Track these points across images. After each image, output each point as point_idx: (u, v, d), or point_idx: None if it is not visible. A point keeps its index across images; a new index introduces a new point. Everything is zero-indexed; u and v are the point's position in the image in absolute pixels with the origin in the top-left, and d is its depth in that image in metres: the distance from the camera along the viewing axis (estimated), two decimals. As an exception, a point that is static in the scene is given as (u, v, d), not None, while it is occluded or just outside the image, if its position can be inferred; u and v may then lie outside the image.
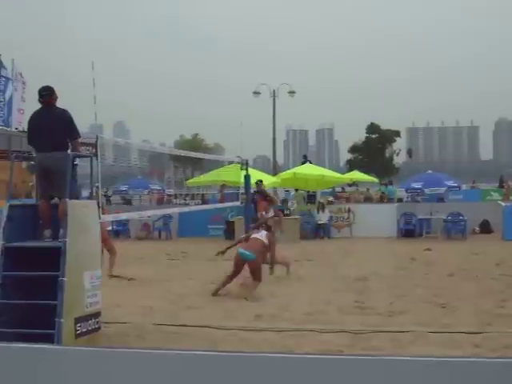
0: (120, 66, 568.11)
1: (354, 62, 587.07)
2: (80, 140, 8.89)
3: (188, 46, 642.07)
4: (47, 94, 8.73)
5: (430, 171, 38.21)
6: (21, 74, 40.93)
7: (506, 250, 17.86)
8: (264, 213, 19.29)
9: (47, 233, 8.55)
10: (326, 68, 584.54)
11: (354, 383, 3.16)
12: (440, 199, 31.55)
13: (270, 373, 3.24)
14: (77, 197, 8.81)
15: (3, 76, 39.56)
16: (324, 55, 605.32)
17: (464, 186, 42.06)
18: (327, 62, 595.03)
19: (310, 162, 32.74)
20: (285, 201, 27.49)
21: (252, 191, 20.47)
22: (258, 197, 20.37)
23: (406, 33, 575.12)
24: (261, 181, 21.62)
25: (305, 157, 34.47)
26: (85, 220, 8.45)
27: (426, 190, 32.12)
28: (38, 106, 8.89)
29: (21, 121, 38.64)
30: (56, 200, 8.63)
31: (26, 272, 8.23)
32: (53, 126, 8.57)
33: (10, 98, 39.62)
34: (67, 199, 8.24)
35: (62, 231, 8.25)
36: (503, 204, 24.70)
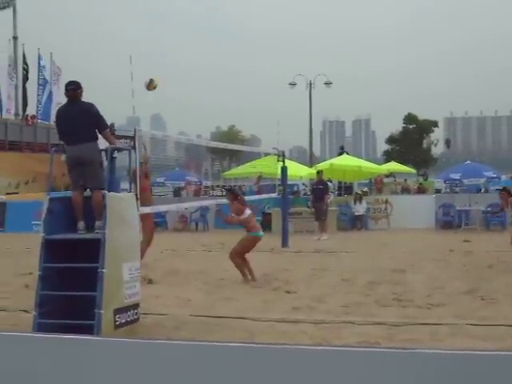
0: (157, 61, 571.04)
1: (390, 46, 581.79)
2: (109, 131, 8.94)
3: (224, 38, 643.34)
4: (72, 89, 8.86)
5: (468, 162, 37.86)
6: (59, 68, 41.37)
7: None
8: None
9: (80, 225, 8.64)
10: (361, 55, 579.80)
11: (391, 375, 3.16)
12: (479, 190, 31.23)
13: (307, 364, 3.24)
14: (115, 189, 8.89)
15: (43, 71, 40.05)
16: (359, 41, 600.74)
17: (504, 177, 41.50)
18: (362, 47, 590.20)
19: (347, 153, 32.64)
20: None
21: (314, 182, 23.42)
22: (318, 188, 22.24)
23: (445, 13, 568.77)
24: (321, 170, 23.37)
25: (342, 148, 34.43)
26: (123, 212, 8.52)
27: (465, 181, 31.80)
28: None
29: (59, 114, 39.11)
30: (88, 192, 8.74)
31: (66, 264, 8.35)
32: (80, 119, 8.69)
33: (50, 93, 40.08)
34: (106, 191, 8.33)
35: (97, 223, 8.37)
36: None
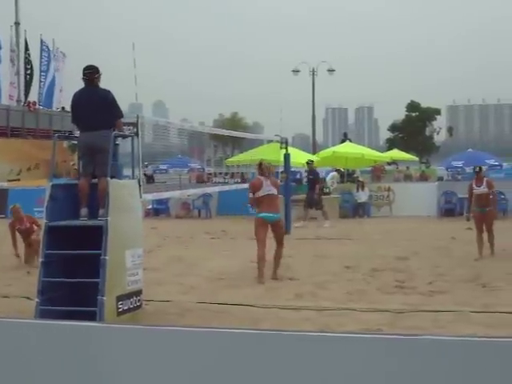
0: (159, 46, 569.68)
1: (394, 34, 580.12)
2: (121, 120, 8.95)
3: (228, 23, 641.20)
4: (90, 73, 8.80)
5: (470, 149, 37.82)
6: (63, 54, 41.25)
7: (550, 230, 17.59)
8: None
9: (83, 211, 8.60)
10: (366, 42, 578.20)
11: (394, 361, 3.16)
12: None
13: (309, 350, 3.25)
14: (118, 176, 8.89)
15: (45, 56, 39.92)
16: (363, 29, 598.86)
17: (505, 165, 41.47)
18: (366, 35, 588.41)
19: (350, 141, 32.63)
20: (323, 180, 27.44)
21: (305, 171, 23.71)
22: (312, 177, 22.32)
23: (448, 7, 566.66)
24: (312, 161, 23.13)
25: (345, 135, 34.47)
26: (126, 199, 8.53)
27: (467, 169, 31.77)
28: (77, 84, 8.97)
29: (61, 100, 39.04)
30: (97, 180, 8.71)
31: (69, 251, 8.36)
32: (96, 106, 8.63)
33: (53, 79, 39.97)
34: (108, 178, 8.32)
35: (101, 210, 8.35)
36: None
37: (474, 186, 13.74)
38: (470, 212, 13.96)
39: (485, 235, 13.58)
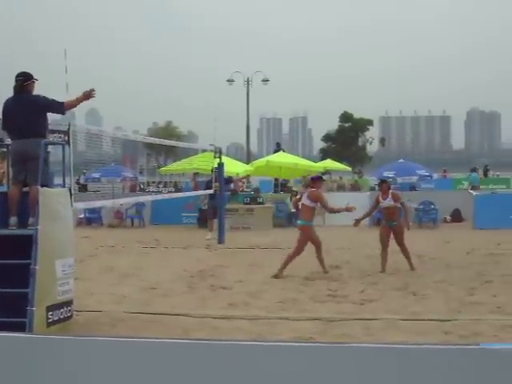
0: (94, 52, 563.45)
1: (328, 52, 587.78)
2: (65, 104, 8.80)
3: (164, 31, 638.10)
4: (21, 80, 8.67)
5: (401, 160, 38.45)
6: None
7: (477, 239, 18.05)
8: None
9: (12, 220, 8.47)
10: (300, 57, 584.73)
11: (325, 370, 3.20)
12: (412, 188, 31.76)
13: (242, 359, 3.26)
14: (49, 184, 8.75)
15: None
16: (298, 45, 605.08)
17: (435, 175, 42.30)
18: (301, 51, 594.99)
19: (283, 151, 32.77)
20: (257, 189, 27.49)
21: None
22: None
23: (380, 26, 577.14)
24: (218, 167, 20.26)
25: (278, 145, 34.48)
26: (57, 208, 8.39)
27: (398, 179, 32.27)
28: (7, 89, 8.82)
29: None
30: (28, 188, 8.57)
31: (-3, 260, 8.18)
32: (27, 112, 8.50)
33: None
34: (38, 186, 8.19)
35: (31, 219, 8.21)
36: (474, 193, 24.91)
37: (380, 198, 13.39)
38: (358, 221, 13.81)
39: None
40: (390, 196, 13.22)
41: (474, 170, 39.43)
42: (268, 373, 3.23)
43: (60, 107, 8.74)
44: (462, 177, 47.28)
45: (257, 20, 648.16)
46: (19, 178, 8.65)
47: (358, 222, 13.76)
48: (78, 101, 8.87)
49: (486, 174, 46.72)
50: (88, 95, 8.94)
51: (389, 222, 13.28)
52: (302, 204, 12.94)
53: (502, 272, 12.50)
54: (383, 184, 13.73)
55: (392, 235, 13.24)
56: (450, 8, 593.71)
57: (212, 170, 20.56)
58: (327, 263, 13.60)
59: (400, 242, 13.23)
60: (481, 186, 36.49)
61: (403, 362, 3.20)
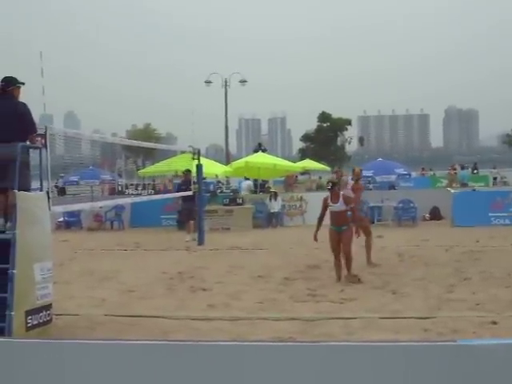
0: (70, 53, 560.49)
1: (307, 53, 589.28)
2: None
3: (143, 31, 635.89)
4: (2, 85, 8.61)
5: (380, 159, 38.67)
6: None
7: (455, 237, 18.16)
8: None
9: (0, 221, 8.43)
10: (279, 58, 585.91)
11: (306, 369, 3.22)
12: (391, 186, 31.91)
13: (222, 360, 3.27)
14: (27, 188, 8.69)
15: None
16: (276, 47, 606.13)
17: (414, 174, 42.56)
18: (279, 52, 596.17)
19: (265, 150, 32.80)
20: (236, 190, 27.50)
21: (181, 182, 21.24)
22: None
23: (356, 28, 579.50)
24: (189, 170, 20.18)
25: (260, 145, 34.53)
26: (34, 211, 8.35)
27: (377, 178, 32.44)
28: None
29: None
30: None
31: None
32: (5, 117, 8.42)
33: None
34: (15, 190, 8.14)
35: (9, 223, 8.17)
36: (452, 191, 25.07)
37: (329, 201, 12.27)
38: (315, 237, 12.43)
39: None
40: (341, 199, 12.10)
41: (463, 167, 39.72)
42: (249, 373, 3.25)
43: (32, 127, 8.66)
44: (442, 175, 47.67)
45: (235, 21, 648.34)
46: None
47: (315, 237, 12.46)
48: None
49: (473, 172, 47.10)
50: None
51: (337, 227, 12.22)
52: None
53: (481, 269, 12.58)
54: (334, 187, 12.33)
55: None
56: (426, 8, 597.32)
57: (183, 172, 20.71)
58: (307, 263, 13.65)
59: (346, 249, 12.07)
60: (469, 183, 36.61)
61: (381, 360, 3.23)
